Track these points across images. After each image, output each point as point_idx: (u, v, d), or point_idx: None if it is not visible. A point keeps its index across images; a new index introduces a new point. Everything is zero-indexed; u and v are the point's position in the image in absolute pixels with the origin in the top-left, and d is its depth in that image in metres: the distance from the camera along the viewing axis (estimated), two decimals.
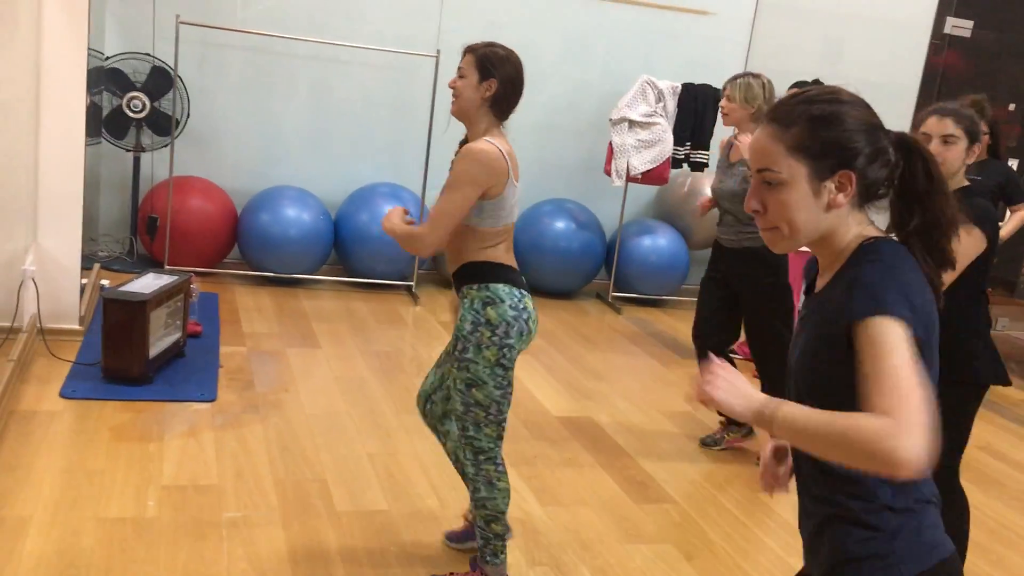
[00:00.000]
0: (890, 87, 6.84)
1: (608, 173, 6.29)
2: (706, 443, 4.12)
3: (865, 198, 1.46)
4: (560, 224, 6.28)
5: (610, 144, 6.25)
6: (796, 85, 4.97)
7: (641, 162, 6.10)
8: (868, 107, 1.47)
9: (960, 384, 2.70)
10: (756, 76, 3.86)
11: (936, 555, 1.43)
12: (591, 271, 6.45)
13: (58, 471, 3.11)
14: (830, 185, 1.43)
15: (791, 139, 1.43)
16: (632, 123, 6.14)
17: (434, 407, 2.87)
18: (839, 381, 1.39)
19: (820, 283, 1.52)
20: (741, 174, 3.85)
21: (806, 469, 1.50)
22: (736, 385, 1.41)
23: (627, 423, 4.28)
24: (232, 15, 5.89)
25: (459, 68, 2.65)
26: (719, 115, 4.14)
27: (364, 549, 2.91)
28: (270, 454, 3.46)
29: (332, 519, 3.06)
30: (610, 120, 6.25)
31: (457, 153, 2.60)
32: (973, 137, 2.71)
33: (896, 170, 1.46)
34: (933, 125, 2.71)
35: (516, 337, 2.58)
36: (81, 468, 3.15)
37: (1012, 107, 7.35)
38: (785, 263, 3.92)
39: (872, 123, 1.45)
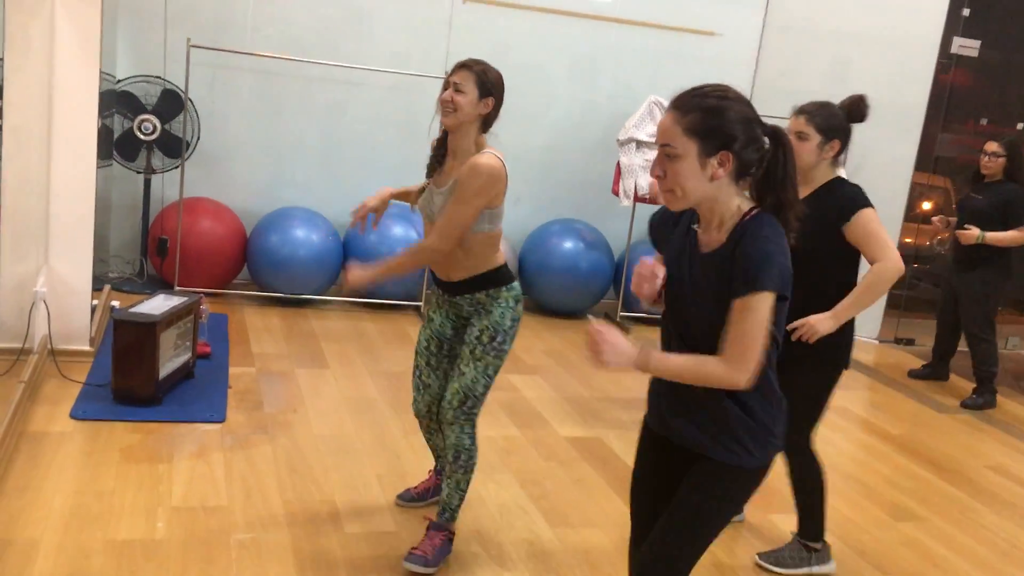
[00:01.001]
0: (898, 106, 6.84)
1: (616, 193, 6.30)
2: None
3: (740, 174, 1.91)
4: (568, 244, 6.29)
5: (618, 164, 6.27)
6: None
7: (649, 182, 6.11)
8: (748, 104, 1.91)
9: (827, 366, 3.04)
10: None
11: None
12: (599, 291, 6.45)
13: (68, 492, 3.12)
14: (713, 161, 1.87)
15: (687, 123, 1.87)
16: (640, 143, 6.16)
17: (442, 412, 2.98)
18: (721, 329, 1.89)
19: (706, 242, 1.96)
20: None
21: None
22: (616, 346, 1.89)
23: (635, 443, 4.26)
24: (242, 38, 5.95)
25: (454, 83, 2.79)
26: None
27: (373, 570, 2.90)
28: (279, 475, 3.46)
29: (341, 540, 3.06)
30: (618, 140, 6.27)
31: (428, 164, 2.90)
32: (827, 135, 2.96)
33: (766, 155, 1.91)
34: (791, 123, 3.01)
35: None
36: (91, 489, 3.16)
37: (1021, 126, 7.35)
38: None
39: (749, 117, 1.89)
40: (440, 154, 2.93)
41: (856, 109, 3.02)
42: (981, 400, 5.59)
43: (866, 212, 2.95)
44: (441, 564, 2.95)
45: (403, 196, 3.22)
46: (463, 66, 2.81)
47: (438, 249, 2.79)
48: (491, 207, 2.81)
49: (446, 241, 2.77)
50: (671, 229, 2.09)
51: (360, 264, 2.90)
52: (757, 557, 3.26)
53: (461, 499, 2.97)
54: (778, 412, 2.03)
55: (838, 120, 2.98)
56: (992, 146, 5.40)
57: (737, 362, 1.85)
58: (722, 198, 1.91)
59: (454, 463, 2.94)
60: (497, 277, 2.90)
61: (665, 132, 1.89)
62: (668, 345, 2.08)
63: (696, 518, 2.02)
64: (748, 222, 1.90)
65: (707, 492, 2.01)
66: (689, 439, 2.04)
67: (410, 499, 3.35)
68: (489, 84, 2.81)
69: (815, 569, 3.23)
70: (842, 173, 3.10)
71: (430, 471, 3.42)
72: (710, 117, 1.85)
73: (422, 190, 2.99)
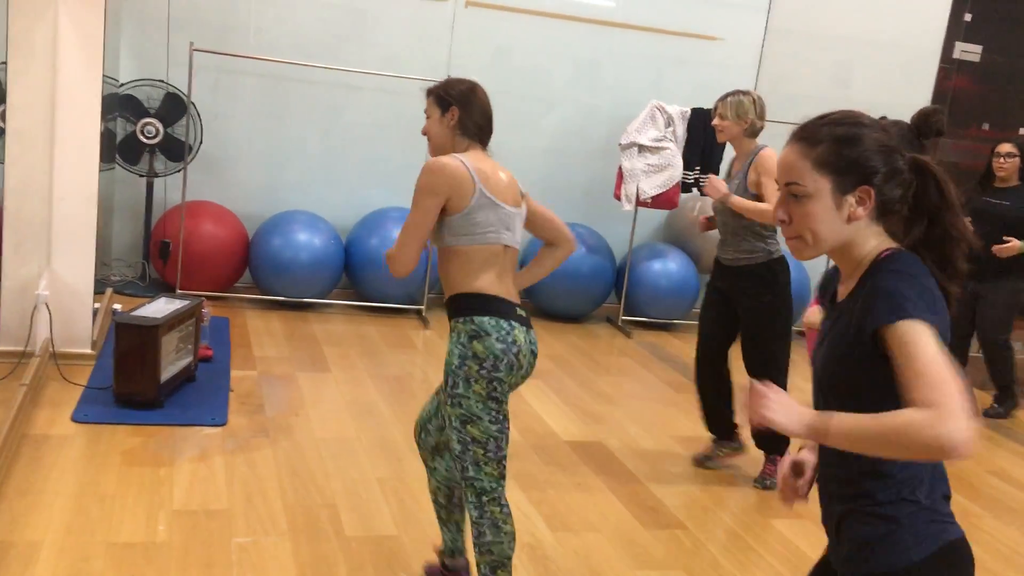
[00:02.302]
0: (899, 111, 6.81)
1: (618, 197, 6.31)
2: (699, 461, 4.14)
3: (881, 212, 1.61)
4: None
5: (620, 169, 6.27)
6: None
7: (651, 186, 6.12)
8: (886, 130, 1.62)
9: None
10: (746, 93, 3.93)
11: (944, 537, 1.59)
12: (601, 295, 6.45)
13: (69, 495, 3.12)
14: (851, 199, 1.58)
15: (817, 156, 1.58)
16: (642, 148, 6.16)
17: (428, 437, 2.77)
18: (862, 384, 1.55)
19: (842, 291, 1.66)
20: (735, 188, 3.87)
21: (832, 470, 1.65)
22: (786, 404, 1.49)
23: (637, 448, 4.26)
24: (245, 42, 5.96)
25: (425, 111, 2.69)
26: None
27: (374, 574, 2.90)
28: (280, 479, 3.46)
29: (342, 544, 3.06)
30: (620, 145, 6.28)
31: None
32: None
33: (911, 189, 1.61)
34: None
35: (505, 371, 2.49)
36: (92, 492, 3.16)
37: (1023, 131, 7.35)
38: (785, 282, 3.91)
39: (889, 145, 1.60)
40: None
41: (926, 123, 2.63)
42: (1003, 409, 5.48)
43: None
44: None
45: None
46: (427, 92, 2.69)
47: (396, 256, 2.51)
48: (454, 211, 2.49)
49: (401, 248, 2.51)
50: (829, 289, 1.77)
51: None
52: None
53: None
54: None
55: (902, 143, 2.69)
56: (1006, 147, 5.25)
57: (938, 402, 1.39)
58: (859, 241, 1.61)
59: (478, 546, 2.57)
60: (461, 305, 2.54)
61: (790, 168, 1.60)
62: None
63: None
64: (878, 260, 1.59)
65: None
66: (839, 557, 1.67)
67: None
68: (448, 97, 2.63)
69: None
70: None
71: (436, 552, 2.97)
72: (845, 147, 1.57)
73: None
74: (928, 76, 6.90)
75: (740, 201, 3.79)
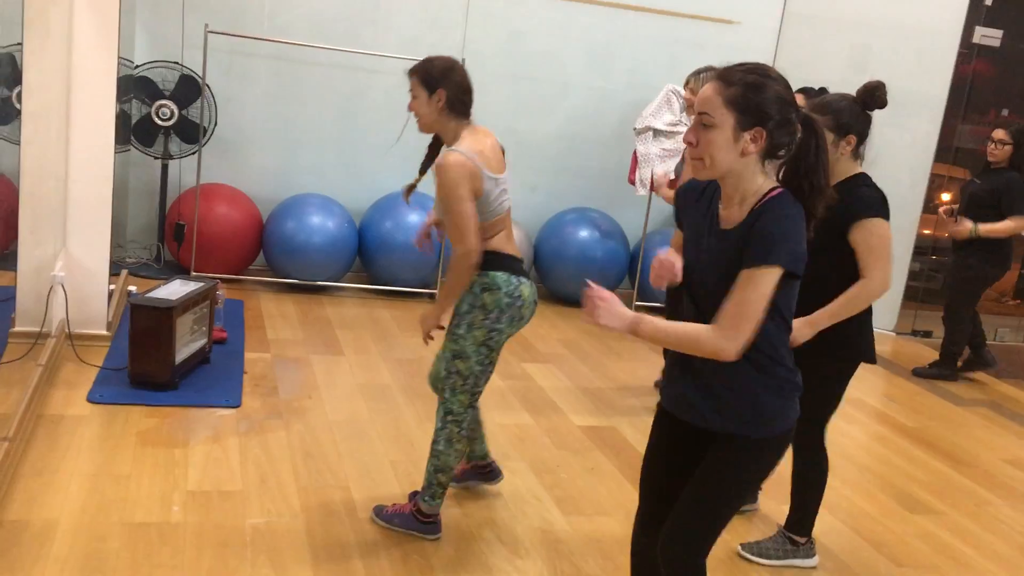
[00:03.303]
0: (918, 95, 6.78)
1: (632, 182, 6.28)
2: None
3: (768, 154, 1.95)
4: (584, 233, 6.28)
5: (634, 153, 6.24)
6: (801, 91, 5.04)
7: (665, 171, 6.08)
8: (788, 86, 1.95)
9: (840, 360, 2.99)
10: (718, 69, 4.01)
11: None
12: (615, 280, 6.43)
13: (85, 475, 3.14)
14: (747, 136, 1.91)
15: (728, 95, 1.91)
16: (657, 132, 6.13)
17: None
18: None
19: (727, 216, 2.00)
20: None
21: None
22: (612, 307, 1.93)
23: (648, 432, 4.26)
24: (259, 24, 5.95)
25: (410, 91, 2.88)
26: None
27: (386, 556, 2.92)
28: (293, 460, 3.48)
29: (355, 526, 3.07)
30: (634, 129, 6.24)
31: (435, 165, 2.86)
32: (840, 131, 2.87)
33: (795, 139, 1.96)
34: None
35: (507, 323, 2.89)
36: (107, 473, 3.19)
37: None
38: None
39: (787, 99, 1.93)
40: (433, 151, 3.04)
41: (871, 97, 2.92)
42: (936, 372, 5.82)
43: (874, 222, 2.82)
44: (394, 529, 3.05)
45: None
46: (410, 72, 2.89)
47: (468, 251, 2.79)
48: (475, 199, 2.80)
49: (470, 239, 2.78)
50: (695, 200, 2.13)
51: (423, 316, 2.99)
52: (740, 548, 3.24)
53: (427, 481, 3.01)
54: (791, 359, 2.08)
55: (849, 114, 2.87)
56: (999, 134, 5.43)
57: (728, 331, 1.88)
58: (747, 175, 1.95)
59: (432, 451, 3.01)
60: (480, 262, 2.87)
61: (705, 101, 1.93)
62: (679, 314, 2.11)
63: (719, 493, 2.07)
64: (770, 200, 1.93)
65: (730, 465, 2.06)
66: (707, 415, 2.07)
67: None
68: (432, 78, 2.83)
69: (797, 562, 3.20)
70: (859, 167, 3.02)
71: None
72: (751, 92, 1.89)
73: (411, 187, 3.11)
74: (947, 61, 6.82)
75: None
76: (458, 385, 2.93)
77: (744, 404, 2.02)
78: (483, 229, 2.84)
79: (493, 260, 2.88)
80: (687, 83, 4.16)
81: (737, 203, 1.98)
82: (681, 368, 2.09)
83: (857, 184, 2.90)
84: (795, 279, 1.92)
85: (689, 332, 1.93)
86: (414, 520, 3.04)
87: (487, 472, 3.39)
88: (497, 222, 2.90)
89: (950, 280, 5.75)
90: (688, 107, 4.17)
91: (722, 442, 2.06)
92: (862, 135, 2.91)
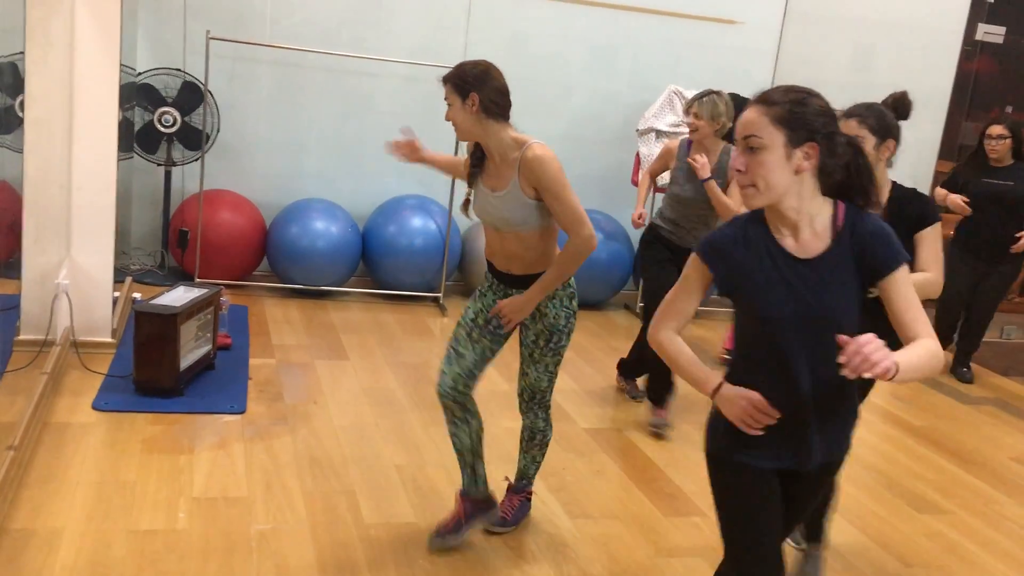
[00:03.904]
0: (921, 93, 6.71)
1: (635, 183, 6.27)
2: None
3: (820, 173, 1.88)
4: None
5: (637, 154, 6.23)
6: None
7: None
8: (826, 102, 1.90)
9: None
10: (719, 94, 4.15)
11: None
12: (619, 281, 6.42)
13: (90, 483, 3.14)
14: (799, 153, 1.85)
15: (774, 114, 1.85)
16: (659, 133, 6.12)
17: (472, 382, 2.99)
18: (854, 315, 1.90)
19: (798, 244, 1.91)
20: (721, 184, 4.14)
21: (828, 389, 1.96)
22: (879, 346, 1.63)
23: (655, 435, 4.25)
24: (262, 30, 5.95)
25: (445, 99, 2.82)
26: None
27: (392, 561, 2.91)
28: (299, 466, 3.47)
29: (360, 531, 3.06)
30: (637, 130, 6.24)
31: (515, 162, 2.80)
32: (882, 135, 2.81)
33: (843, 152, 1.90)
34: (842, 127, 2.90)
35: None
36: (113, 480, 3.18)
37: (1009, 109, 7.25)
38: None
39: (830, 112, 1.89)
40: (478, 159, 2.91)
41: (901, 106, 2.91)
42: (965, 373, 5.81)
43: (938, 225, 2.84)
44: (522, 522, 3.23)
45: (435, 162, 3.29)
46: (443, 80, 2.83)
47: (591, 235, 2.77)
48: None
49: (587, 225, 2.77)
50: (739, 253, 1.94)
51: (511, 301, 2.88)
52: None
53: (537, 468, 3.24)
54: None
55: (889, 118, 2.83)
56: (997, 129, 5.39)
57: (934, 335, 1.87)
58: (806, 194, 1.88)
59: (530, 441, 3.17)
60: None
61: (750, 124, 1.87)
62: (778, 376, 1.93)
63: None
64: (848, 212, 1.91)
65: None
66: (823, 453, 2.02)
67: (443, 536, 3.03)
68: (465, 83, 2.77)
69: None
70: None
71: (456, 495, 3.14)
72: (797, 107, 1.85)
73: (467, 201, 2.96)
74: (950, 58, 6.81)
75: (716, 189, 4.05)
76: (544, 401, 3.11)
77: (849, 427, 2.07)
78: (550, 233, 2.87)
79: None
80: (689, 107, 4.16)
81: (807, 227, 1.90)
82: (819, 419, 1.96)
83: (908, 192, 2.89)
84: None
85: (924, 351, 1.80)
86: (528, 503, 3.29)
87: (489, 507, 3.15)
88: (557, 227, 2.91)
89: (992, 291, 5.58)
90: (692, 131, 4.17)
91: (821, 471, 2.06)
92: (898, 142, 2.86)
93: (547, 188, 2.74)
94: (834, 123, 1.89)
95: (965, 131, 7.20)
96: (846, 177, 1.92)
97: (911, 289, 1.87)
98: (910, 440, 4.63)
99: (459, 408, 2.98)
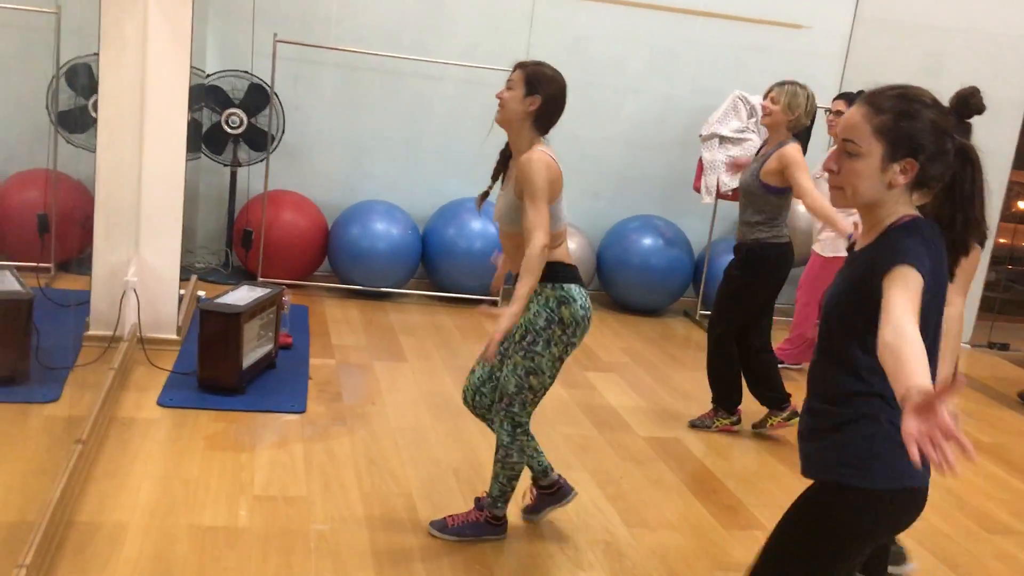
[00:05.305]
0: (994, 102, 6.52)
1: (697, 189, 6.20)
2: (694, 425, 4.36)
3: (918, 186, 1.80)
4: (647, 241, 6.22)
5: (700, 160, 6.16)
6: (841, 97, 5.02)
7: (732, 179, 6.00)
8: (945, 113, 1.79)
9: None
10: (803, 87, 4.04)
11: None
12: (678, 289, 6.36)
13: (155, 478, 3.20)
14: (896, 168, 1.77)
15: (878, 123, 1.76)
16: (723, 139, 6.05)
17: (483, 398, 3.08)
18: (857, 318, 1.78)
19: (860, 244, 1.88)
20: (753, 169, 4.10)
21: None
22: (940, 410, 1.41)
23: (715, 444, 4.19)
24: (326, 33, 6.02)
25: (508, 80, 2.86)
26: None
27: (448, 564, 2.91)
28: (357, 467, 3.49)
29: (417, 533, 3.07)
30: (700, 136, 6.17)
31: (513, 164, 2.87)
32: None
33: (950, 171, 1.80)
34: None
35: (580, 336, 2.88)
36: (176, 476, 3.24)
37: None
38: (769, 270, 4.10)
39: (943, 127, 1.77)
40: (505, 158, 2.98)
41: (965, 105, 2.82)
42: None
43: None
44: (465, 540, 3.05)
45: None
46: (519, 65, 2.86)
47: (539, 247, 2.71)
48: (552, 202, 2.81)
49: (537, 234, 2.71)
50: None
51: (495, 314, 2.74)
52: None
53: (500, 490, 3.03)
54: None
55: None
56: None
57: (902, 317, 1.65)
58: (890, 205, 1.81)
59: (496, 454, 3.02)
60: (547, 271, 2.81)
61: (852, 128, 1.79)
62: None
63: None
64: (904, 222, 1.79)
65: None
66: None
67: (525, 513, 3.26)
68: (536, 82, 2.80)
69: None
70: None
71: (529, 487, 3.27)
72: (903, 120, 1.75)
73: (485, 195, 3.06)
74: None
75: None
76: (529, 399, 2.91)
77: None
78: (553, 237, 2.81)
79: (565, 272, 2.87)
80: (769, 92, 4.06)
81: (870, 228, 1.85)
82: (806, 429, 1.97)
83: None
84: (926, 295, 1.69)
85: (911, 352, 1.56)
86: (489, 526, 3.07)
87: (557, 492, 3.21)
88: (564, 231, 2.91)
89: None
90: (765, 115, 4.07)
91: None
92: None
93: (524, 187, 2.75)
94: (945, 138, 1.77)
95: None
96: (949, 187, 1.81)
97: (897, 288, 1.65)
98: (979, 458, 4.50)
99: (483, 419, 3.16)
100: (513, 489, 3.05)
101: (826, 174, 1.87)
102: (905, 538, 3.45)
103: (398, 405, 4.18)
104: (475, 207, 3.10)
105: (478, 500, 3.13)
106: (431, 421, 4.05)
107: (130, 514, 2.94)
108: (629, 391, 4.78)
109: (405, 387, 4.42)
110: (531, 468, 3.16)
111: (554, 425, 4.08)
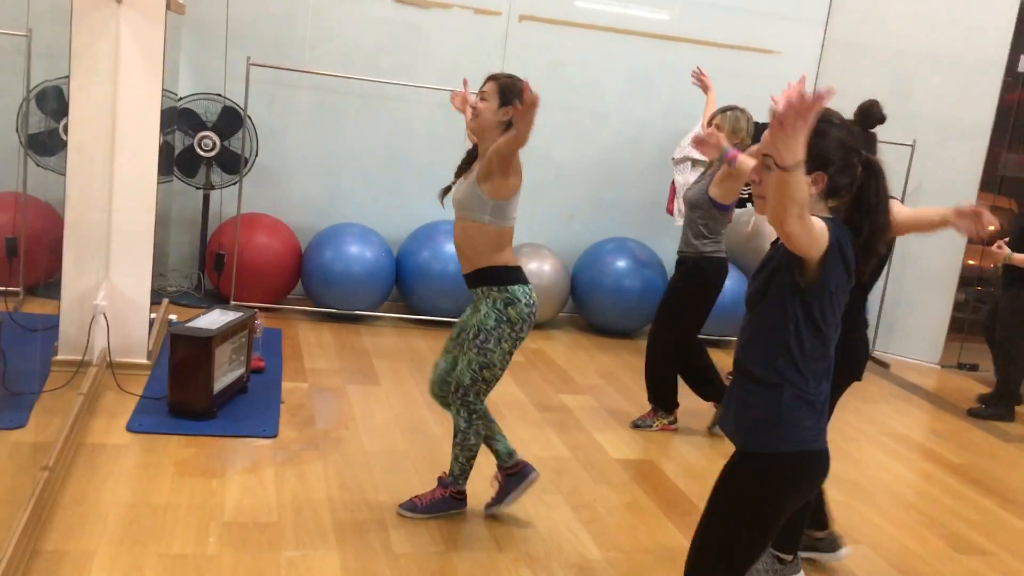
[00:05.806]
0: (962, 124, 6.68)
1: (671, 212, 6.24)
2: (636, 425, 4.58)
3: (828, 195, 2.07)
4: (622, 263, 6.25)
5: (672, 183, 6.21)
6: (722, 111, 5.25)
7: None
8: (851, 131, 2.07)
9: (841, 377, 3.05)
10: (743, 111, 4.40)
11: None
12: (653, 311, 6.35)
13: (123, 505, 3.15)
14: (808, 179, 1.94)
15: None
16: (695, 162, 6.09)
17: (447, 387, 3.31)
18: (768, 303, 2.06)
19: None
20: (703, 185, 4.37)
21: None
22: (799, 131, 1.76)
23: (689, 467, 4.19)
24: (301, 56, 6.03)
25: (481, 92, 3.04)
26: None
27: None
28: (329, 492, 3.46)
29: (390, 560, 3.04)
30: (673, 159, 6.22)
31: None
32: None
33: (857, 182, 2.07)
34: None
35: (527, 330, 3.14)
36: (145, 503, 3.19)
37: None
38: (709, 282, 4.40)
39: (849, 145, 2.05)
40: (469, 160, 3.21)
41: (867, 116, 3.06)
42: (992, 412, 5.66)
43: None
44: (435, 516, 3.32)
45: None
46: (491, 77, 3.07)
47: (522, 136, 2.86)
48: (505, 197, 3.01)
49: (513, 141, 2.89)
50: None
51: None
52: None
53: (461, 468, 3.31)
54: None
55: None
56: None
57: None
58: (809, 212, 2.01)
59: (454, 438, 3.28)
60: (493, 275, 3.09)
61: (768, 145, 1.95)
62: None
63: None
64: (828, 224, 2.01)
65: None
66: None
67: (489, 507, 3.44)
68: (512, 94, 2.98)
69: None
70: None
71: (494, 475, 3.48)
72: (814, 138, 1.90)
73: (447, 189, 3.26)
74: (991, 90, 6.72)
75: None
76: (483, 389, 3.18)
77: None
78: (501, 235, 3.06)
79: (510, 274, 3.10)
80: (712, 119, 4.32)
81: None
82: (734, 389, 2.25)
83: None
84: (836, 263, 1.97)
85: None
86: (454, 501, 3.34)
87: (521, 471, 3.39)
88: (509, 231, 3.11)
89: (1003, 316, 5.59)
90: (695, 143, 4.26)
91: None
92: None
93: (493, 153, 2.94)
94: (851, 154, 2.04)
95: (1006, 163, 7.09)
96: (856, 198, 2.07)
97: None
98: (950, 478, 4.53)
99: (446, 406, 3.38)
100: (471, 467, 3.31)
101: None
102: (875, 555, 3.47)
103: (371, 429, 4.15)
104: (438, 201, 3.30)
105: (441, 479, 3.37)
106: (405, 445, 4.02)
107: (97, 542, 2.89)
108: (603, 413, 4.78)
109: (379, 411, 4.40)
110: (497, 453, 3.37)
111: (528, 448, 4.07)
